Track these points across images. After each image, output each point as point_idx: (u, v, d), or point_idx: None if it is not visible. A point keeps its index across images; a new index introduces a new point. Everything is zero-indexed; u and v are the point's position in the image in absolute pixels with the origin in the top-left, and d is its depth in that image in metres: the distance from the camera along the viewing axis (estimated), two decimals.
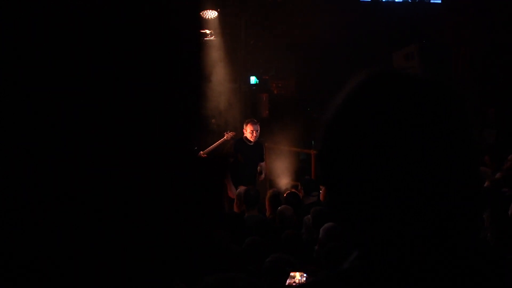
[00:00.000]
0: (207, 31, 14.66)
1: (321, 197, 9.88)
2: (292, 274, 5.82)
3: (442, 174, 1.26)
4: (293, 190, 10.31)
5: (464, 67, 17.30)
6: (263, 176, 11.79)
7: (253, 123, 11.36)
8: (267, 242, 6.98)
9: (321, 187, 10.15)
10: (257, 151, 11.46)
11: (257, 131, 11.33)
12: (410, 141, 1.26)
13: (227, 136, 12.79)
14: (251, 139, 11.29)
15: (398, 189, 1.25)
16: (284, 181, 13.45)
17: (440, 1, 17.41)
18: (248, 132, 11.26)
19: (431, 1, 17.38)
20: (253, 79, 16.54)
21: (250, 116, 15.72)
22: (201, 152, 12.06)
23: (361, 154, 1.28)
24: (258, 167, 11.62)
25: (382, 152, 1.26)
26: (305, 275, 5.81)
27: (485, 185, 8.94)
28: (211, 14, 14.57)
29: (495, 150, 12.58)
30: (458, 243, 1.32)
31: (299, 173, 13.56)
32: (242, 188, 9.65)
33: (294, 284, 5.79)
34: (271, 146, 14.34)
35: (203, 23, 14.53)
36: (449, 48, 16.56)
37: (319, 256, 6.77)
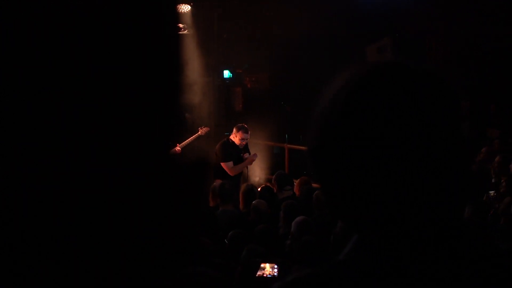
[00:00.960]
0: (180, 25, 14.63)
1: (295, 190, 9.88)
2: (262, 265, 5.81)
3: (438, 168, 1.26)
4: (267, 184, 10.30)
5: (437, 60, 17.39)
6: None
7: (244, 131, 11.13)
8: (247, 236, 6.98)
9: (294, 180, 10.15)
10: (242, 150, 11.37)
11: (247, 139, 11.22)
12: (410, 134, 1.25)
13: (201, 131, 12.75)
14: (240, 147, 11.18)
15: (396, 182, 1.25)
16: (258, 175, 13.45)
17: None
18: (238, 138, 11.07)
19: None
20: (226, 73, 16.53)
21: (223, 110, 15.73)
22: (178, 145, 11.97)
23: (359, 149, 1.27)
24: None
25: (380, 147, 1.25)
26: (276, 266, 5.81)
27: None
28: (184, 7, 14.55)
29: (468, 143, 12.64)
30: (452, 234, 1.32)
31: (273, 167, 13.57)
32: (216, 182, 9.62)
33: (264, 275, 5.79)
34: None
35: (178, 16, 14.46)
36: (422, 41, 16.64)
37: (291, 249, 6.77)
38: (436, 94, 1.30)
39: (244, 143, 11.14)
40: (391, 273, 1.30)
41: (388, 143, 1.25)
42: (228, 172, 10.87)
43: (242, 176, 11.35)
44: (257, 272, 5.80)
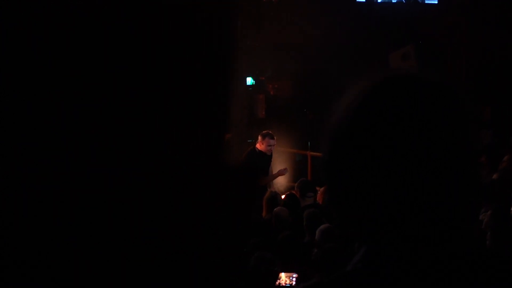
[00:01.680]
0: None
1: (318, 199, 9.87)
2: (280, 275, 5.83)
3: (448, 178, 1.28)
4: (292, 191, 10.29)
5: (460, 66, 17.31)
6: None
7: (270, 138, 11.06)
8: (266, 243, 6.98)
9: (317, 188, 10.14)
10: (269, 160, 11.36)
11: (274, 145, 11.18)
12: (422, 145, 1.27)
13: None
14: (267, 153, 11.15)
15: (404, 193, 1.27)
16: (280, 182, 13.43)
17: (436, 2, 17.42)
18: (265, 146, 11.01)
19: (427, 2, 17.39)
20: (249, 80, 16.53)
21: (246, 116, 15.71)
22: None
23: (371, 159, 1.29)
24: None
25: (390, 158, 1.28)
26: (294, 275, 5.81)
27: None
28: None
29: (492, 150, 12.57)
30: (460, 243, 1.33)
31: (295, 174, 13.55)
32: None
33: (279, 285, 5.79)
34: None
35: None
36: (445, 48, 16.59)
37: (317, 258, 6.77)
38: (447, 106, 1.32)
39: (271, 149, 11.10)
40: (398, 285, 1.31)
41: (398, 155, 1.27)
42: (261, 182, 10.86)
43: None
44: (276, 281, 5.82)
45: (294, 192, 10.10)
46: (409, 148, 1.27)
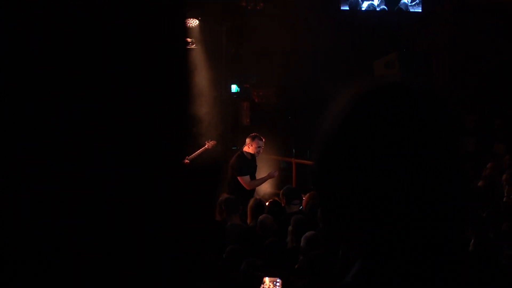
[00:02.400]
0: (188, 39, 14.66)
1: (303, 205, 9.87)
2: (264, 279, 5.83)
3: (437, 186, 1.29)
4: (276, 198, 10.29)
5: (443, 74, 17.39)
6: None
7: (259, 139, 11.08)
8: (248, 251, 6.99)
9: (303, 195, 10.15)
10: (256, 165, 11.36)
11: (263, 147, 11.19)
12: (408, 154, 1.28)
13: (208, 145, 12.75)
14: (256, 155, 11.16)
15: (399, 198, 1.28)
16: (265, 190, 13.43)
17: (420, 10, 17.49)
18: (254, 147, 11.02)
19: (411, 10, 17.46)
20: (234, 87, 16.53)
21: (230, 124, 15.71)
22: (187, 157, 11.93)
23: (362, 165, 1.29)
24: None
25: (378, 166, 1.28)
26: (278, 281, 5.81)
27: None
28: (192, 22, 14.58)
29: (475, 158, 12.65)
30: (455, 249, 1.35)
31: (280, 181, 13.55)
32: (223, 196, 9.63)
33: None
34: None
35: (187, 30, 14.50)
36: (428, 56, 16.65)
37: (303, 265, 6.78)
38: (433, 112, 1.33)
39: (260, 151, 11.10)
40: None
41: (386, 162, 1.28)
42: (245, 186, 10.81)
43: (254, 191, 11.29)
44: (259, 286, 5.82)
45: (277, 199, 10.09)
46: (399, 156, 1.28)
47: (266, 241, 7.19)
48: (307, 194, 10.24)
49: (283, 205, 9.62)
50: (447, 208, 1.31)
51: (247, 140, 11.13)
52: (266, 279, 5.84)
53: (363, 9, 17.29)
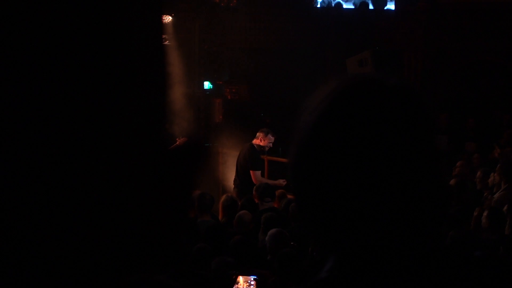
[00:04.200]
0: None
1: (275, 203, 9.87)
2: (238, 279, 5.81)
3: (412, 178, 1.29)
4: (249, 195, 10.29)
5: (416, 74, 17.49)
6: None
7: (272, 135, 11.19)
8: (219, 248, 6.96)
9: (277, 192, 10.15)
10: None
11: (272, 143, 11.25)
12: (383, 150, 1.27)
13: (179, 142, 12.68)
14: (265, 149, 11.19)
15: (374, 194, 1.27)
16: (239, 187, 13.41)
17: (393, 9, 17.58)
18: (266, 142, 11.08)
19: (385, 8, 17.55)
20: (207, 84, 16.51)
21: (203, 121, 15.69)
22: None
23: (337, 162, 1.28)
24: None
25: (354, 163, 1.27)
26: (252, 279, 5.80)
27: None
28: (165, 18, 14.54)
29: (447, 156, 12.73)
30: (430, 245, 1.34)
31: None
32: (195, 193, 9.59)
33: None
34: (224, 151, 14.31)
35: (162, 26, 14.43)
36: (401, 54, 16.74)
37: (272, 262, 6.78)
38: (409, 109, 1.32)
39: (270, 146, 11.16)
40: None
41: (362, 158, 1.27)
42: (253, 180, 10.85)
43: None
44: (233, 285, 5.80)
45: (251, 196, 10.09)
46: (375, 153, 1.27)
47: (233, 239, 7.17)
48: (279, 192, 10.24)
49: (256, 202, 9.62)
50: (423, 204, 1.30)
51: (260, 134, 11.18)
52: (241, 278, 5.82)
53: (334, 5, 17.33)
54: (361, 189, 1.27)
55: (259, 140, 11.08)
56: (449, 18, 17.06)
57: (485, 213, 7.44)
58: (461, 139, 15.44)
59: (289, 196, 9.69)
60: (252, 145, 11.21)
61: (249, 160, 11.02)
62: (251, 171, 10.92)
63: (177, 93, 14.05)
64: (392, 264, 1.31)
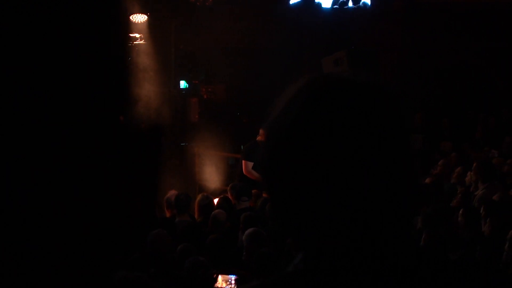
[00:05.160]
0: (137, 35, 14.54)
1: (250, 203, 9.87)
2: (219, 277, 5.82)
3: (385, 177, 1.28)
4: (226, 195, 10.29)
5: (392, 73, 17.57)
6: None
7: None
8: (197, 247, 6.96)
9: (252, 192, 10.16)
10: None
11: None
12: (357, 145, 1.27)
13: None
14: None
15: (343, 192, 1.27)
16: (213, 186, 13.43)
17: (370, 6, 17.64)
18: None
19: (360, 6, 17.60)
20: (182, 84, 16.47)
21: (179, 120, 15.66)
22: None
23: (306, 160, 1.28)
24: None
25: (327, 160, 1.27)
26: (233, 278, 5.81)
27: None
28: (140, 17, 14.47)
29: (422, 155, 12.82)
30: (396, 242, 1.34)
31: (228, 178, 13.56)
32: (171, 193, 9.59)
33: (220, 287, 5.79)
34: (200, 151, 14.30)
35: (131, 26, 14.43)
36: (377, 54, 16.82)
37: (247, 261, 6.78)
38: (383, 107, 1.32)
39: None
40: (338, 284, 1.31)
41: (335, 156, 1.27)
42: (243, 170, 10.95)
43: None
44: (214, 284, 5.81)
45: (227, 196, 10.09)
46: (348, 151, 1.26)
47: (209, 238, 7.17)
48: (255, 191, 10.25)
49: (232, 202, 9.62)
50: (395, 202, 1.31)
51: (262, 131, 11.19)
52: (220, 277, 5.83)
53: (317, 5, 17.37)
54: (333, 187, 1.27)
55: (262, 137, 11.11)
56: (425, 17, 17.16)
57: (460, 211, 7.48)
58: (436, 138, 15.55)
59: (264, 195, 9.71)
60: (254, 140, 11.22)
61: (242, 150, 11.10)
62: (242, 161, 10.96)
63: (152, 92, 14.01)
64: (360, 263, 1.31)
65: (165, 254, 6.34)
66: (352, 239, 1.29)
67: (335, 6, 17.36)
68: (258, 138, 11.21)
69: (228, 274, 5.86)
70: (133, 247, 7.07)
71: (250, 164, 11.01)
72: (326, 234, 1.30)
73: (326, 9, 17.37)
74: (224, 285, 5.77)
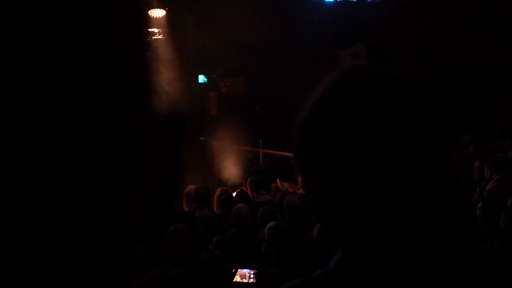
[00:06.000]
0: (155, 30, 14.57)
1: (270, 196, 9.88)
2: (238, 271, 5.84)
3: (422, 172, 1.26)
4: (243, 188, 10.29)
5: (409, 66, 17.51)
6: None
7: None
8: (217, 241, 6.99)
9: (272, 185, 10.17)
10: None
11: None
12: (392, 139, 1.24)
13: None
14: None
15: (382, 187, 1.24)
16: (232, 180, 13.44)
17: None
18: None
19: (377, 1, 17.53)
20: (201, 78, 16.49)
21: (198, 114, 15.69)
22: None
23: (343, 153, 1.26)
24: None
25: (364, 151, 1.24)
26: (252, 272, 5.83)
27: None
28: (159, 12, 14.49)
29: None
30: (440, 241, 1.32)
31: (247, 171, 13.57)
32: (190, 187, 9.62)
33: (241, 281, 5.81)
34: (219, 145, 14.30)
35: (149, 21, 14.46)
36: (394, 47, 16.76)
37: (267, 254, 6.80)
38: (415, 98, 1.30)
39: None
40: (380, 282, 1.30)
41: (368, 150, 1.24)
42: (281, 188, 10.91)
43: None
44: (233, 278, 5.83)
45: (245, 189, 10.10)
46: (387, 144, 1.24)
47: (230, 232, 7.19)
48: (274, 184, 10.27)
49: (250, 195, 9.64)
50: (434, 198, 1.28)
51: None
52: (243, 271, 5.84)
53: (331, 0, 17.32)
54: (370, 182, 1.25)
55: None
56: (442, 11, 17.07)
57: (479, 205, 7.47)
58: (454, 131, 15.46)
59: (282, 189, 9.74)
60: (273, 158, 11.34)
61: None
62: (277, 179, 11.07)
63: (171, 87, 14.04)
64: (400, 259, 1.29)
65: (183, 248, 6.36)
66: (388, 237, 1.28)
67: (337, 0, 17.30)
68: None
69: (247, 268, 5.88)
70: (153, 242, 7.12)
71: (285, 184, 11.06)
72: (361, 229, 1.28)
73: (329, 2, 17.28)
74: (243, 279, 5.79)
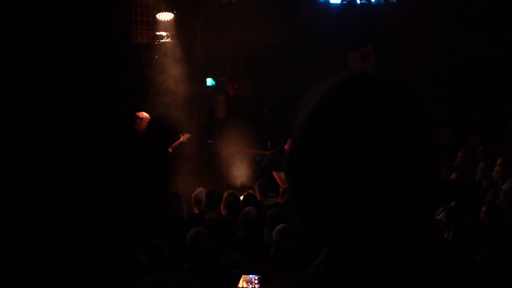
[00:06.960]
0: (163, 33, 14.61)
1: (279, 199, 9.87)
2: (243, 277, 5.84)
3: (410, 174, 1.29)
4: (250, 191, 10.28)
5: (418, 67, 17.48)
6: None
7: None
8: (226, 243, 6.99)
9: (280, 189, 10.15)
10: None
11: None
12: (382, 142, 1.28)
13: (183, 138, 12.77)
14: None
15: (367, 189, 1.27)
16: (240, 183, 13.45)
17: (395, 1, 17.54)
18: None
19: (388, 1, 17.50)
20: (209, 81, 16.50)
21: (206, 117, 15.71)
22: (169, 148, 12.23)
23: (332, 156, 1.29)
24: None
25: (354, 154, 1.27)
26: (256, 278, 5.82)
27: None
28: (167, 16, 14.53)
29: (449, 150, 12.73)
30: (420, 242, 1.34)
31: (255, 174, 13.58)
32: (199, 190, 9.62)
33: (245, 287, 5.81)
34: (227, 148, 14.32)
35: (158, 25, 14.50)
36: (403, 49, 16.73)
37: (275, 258, 6.79)
38: (406, 103, 1.33)
39: None
40: (365, 282, 1.31)
41: (358, 153, 1.27)
42: (280, 182, 10.84)
43: None
44: (237, 283, 5.83)
45: (252, 192, 10.09)
46: (373, 147, 1.27)
47: (237, 234, 7.19)
48: (283, 187, 10.25)
49: (258, 198, 9.63)
50: (418, 199, 1.31)
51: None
52: (245, 276, 5.84)
53: (338, 2, 17.31)
54: (355, 183, 1.27)
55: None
56: (452, 12, 17.04)
57: (483, 209, 7.43)
58: (463, 133, 15.43)
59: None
60: (283, 148, 11.21)
61: (272, 162, 11.16)
62: (274, 173, 11.02)
63: (179, 90, 14.07)
64: (382, 260, 1.31)
65: (202, 251, 6.36)
66: (374, 236, 1.30)
67: (344, 2, 17.28)
68: (287, 146, 11.17)
69: (252, 274, 5.87)
70: (161, 243, 7.13)
71: (283, 174, 11.00)
72: (347, 231, 1.30)
73: (335, 4, 17.26)
74: (248, 284, 5.79)
